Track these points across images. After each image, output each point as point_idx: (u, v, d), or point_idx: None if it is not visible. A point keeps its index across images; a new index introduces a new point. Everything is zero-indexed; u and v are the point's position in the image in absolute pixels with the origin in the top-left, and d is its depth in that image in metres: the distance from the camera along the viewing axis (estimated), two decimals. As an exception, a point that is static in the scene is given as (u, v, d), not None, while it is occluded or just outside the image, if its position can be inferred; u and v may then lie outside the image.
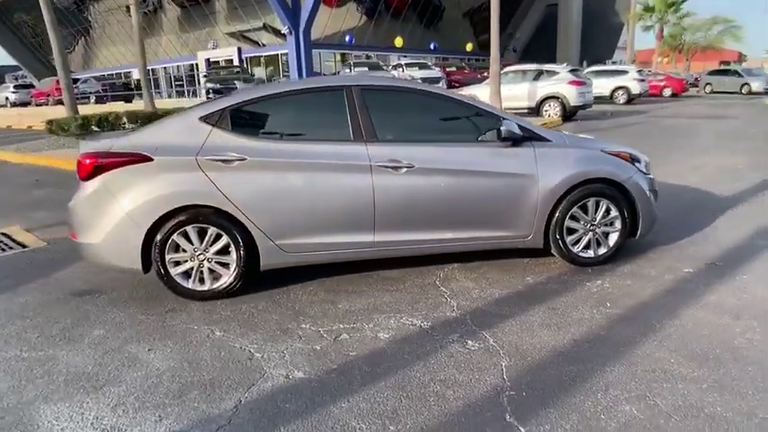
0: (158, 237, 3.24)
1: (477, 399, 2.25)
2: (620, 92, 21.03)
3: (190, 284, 3.38)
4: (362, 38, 30.39)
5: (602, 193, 3.66)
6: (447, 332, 2.87)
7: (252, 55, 29.84)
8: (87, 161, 3.24)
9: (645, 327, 2.84)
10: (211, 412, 2.22)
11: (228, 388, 2.40)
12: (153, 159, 3.23)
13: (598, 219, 3.71)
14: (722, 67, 37.00)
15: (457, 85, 24.70)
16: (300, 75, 24.37)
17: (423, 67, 23.05)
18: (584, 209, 3.67)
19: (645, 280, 3.51)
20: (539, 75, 15.75)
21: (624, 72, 22.17)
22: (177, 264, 3.35)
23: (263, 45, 30.20)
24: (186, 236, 3.31)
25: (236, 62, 24.49)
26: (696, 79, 33.69)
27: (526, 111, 15.24)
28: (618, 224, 3.74)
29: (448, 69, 26.13)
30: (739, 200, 5.45)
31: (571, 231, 3.70)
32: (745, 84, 28.33)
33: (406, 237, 3.53)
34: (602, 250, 3.77)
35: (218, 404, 2.28)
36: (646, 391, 2.26)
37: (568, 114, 14.96)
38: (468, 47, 37.24)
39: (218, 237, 3.33)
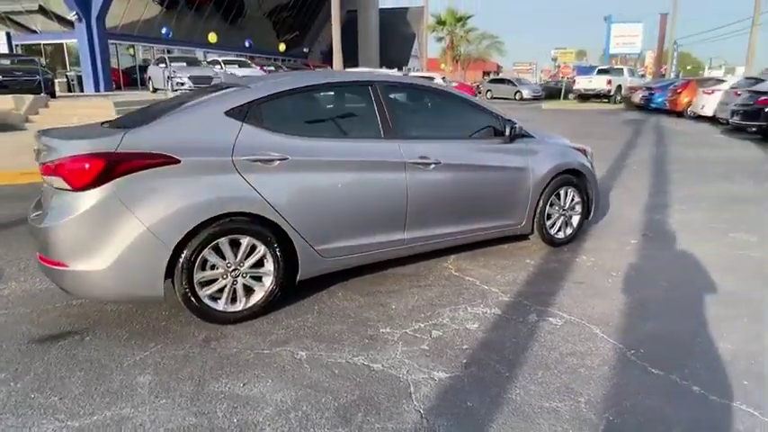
0: (185, 254, 2.74)
1: (613, 362, 2.56)
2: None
3: (221, 306, 2.92)
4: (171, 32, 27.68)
5: (571, 182, 4.32)
6: (520, 314, 3.11)
7: (26, 42, 24.59)
8: (91, 163, 2.55)
9: (653, 283, 3.54)
10: (401, 427, 2.07)
11: (389, 401, 2.24)
12: (180, 161, 2.71)
13: (567, 204, 4.36)
14: (493, 76, 43.92)
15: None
16: (95, 68, 21.08)
17: (243, 65, 22.21)
18: (558, 196, 4.29)
19: (614, 251, 4.28)
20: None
21: (431, 78, 24.90)
22: (206, 284, 2.87)
23: (37, 32, 25.18)
24: (218, 250, 2.86)
25: (4, 50, 19.73)
26: (478, 86, 39.57)
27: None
28: (579, 208, 4.45)
29: (267, 69, 25.66)
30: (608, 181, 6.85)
31: (548, 216, 4.28)
32: (518, 91, 34.15)
33: (432, 232, 3.63)
34: (569, 231, 4.44)
35: (398, 418, 2.12)
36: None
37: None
38: (282, 47, 37.02)
39: (252, 248, 2.96)
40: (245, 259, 2.95)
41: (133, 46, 27.79)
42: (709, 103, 15.02)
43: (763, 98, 10.36)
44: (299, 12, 41.94)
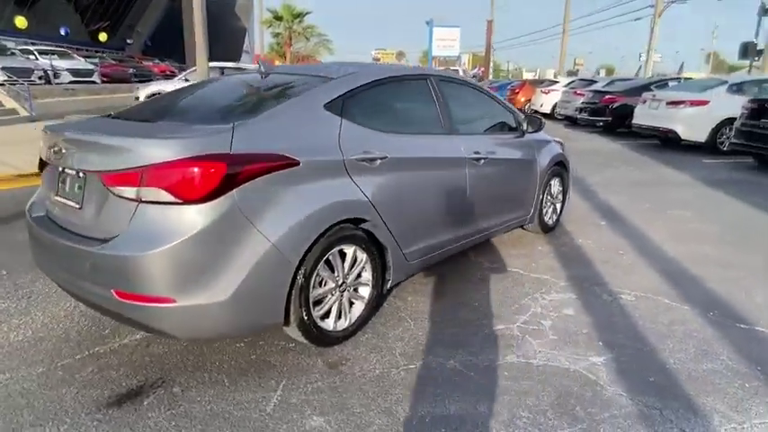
0: (303, 270, 2.40)
1: (709, 325, 2.95)
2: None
3: (331, 325, 2.62)
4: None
5: (558, 172, 4.76)
6: (592, 295, 3.36)
7: None
8: (210, 168, 2.06)
9: (660, 257, 4.12)
10: (625, 412, 2.13)
11: (588, 390, 2.27)
12: (300, 163, 2.35)
13: (555, 193, 4.79)
14: None
15: (106, 79, 21.66)
16: None
17: (64, 56, 19.03)
18: (549, 185, 4.69)
19: (597, 232, 4.83)
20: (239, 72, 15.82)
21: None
22: (317, 303, 2.55)
23: None
24: (329, 263, 2.56)
25: None
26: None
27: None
28: (560, 196, 4.92)
29: (93, 62, 22.46)
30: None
31: (543, 205, 4.66)
32: None
33: (479, 227, 3.70)
34: (555, 218, 4.89)
35: (612, 403, 2.17)
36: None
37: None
38: (103, 37, 32.41)
39: (355, 257, 2.71)
40: (350, 270, 2.68)
41: None
42: (546, 102, 17.48)
43: (607, 97, 12.53)
44: (108, -2, 37.23)
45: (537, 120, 4.27)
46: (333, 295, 2.61)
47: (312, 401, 2.20)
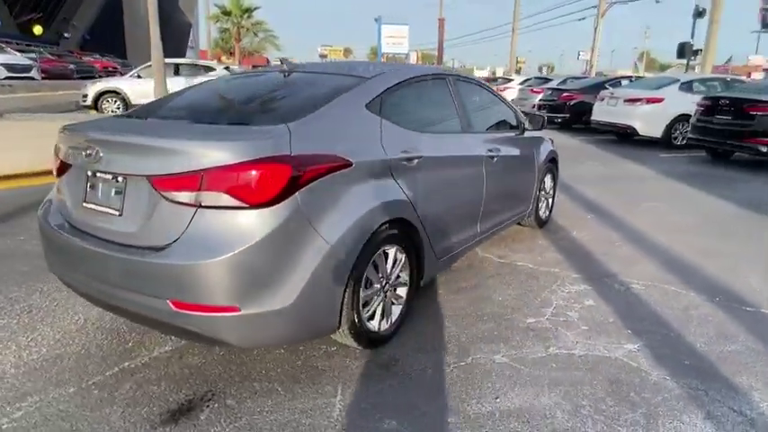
0: (355, 272, 2.38)
1: (718, 309, 3.15)
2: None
3: (375, 326, 2.62)
4: None
5: (551, 169, 4.93)
6: (605, 286, 3.51)
7: None
8: (276, 171, 2.01)
9: (651, 247, 4.35)
10: (678, 394, 2.25)
11: (636, 377, 2.39)
12: (353, 164, 2.32)
13: (548, 189, 4.96)
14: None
15: (45, 75, 20.41)
16: None
17: (-4, 50, 17.68)
18: (543, 182, 4.84)
19: (586, 225, 5.05)
20: (195, 70, 15.30)
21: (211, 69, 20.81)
22: (364, 305, 2.54)
23: None
24: (374, 264, 2.56)
25: None
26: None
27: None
28: (552, 192, 5.10)
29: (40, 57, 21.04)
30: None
31: (539, 200, 4.82)
32: None
33: (491, 223, 3.78)
34: (547, 212, 5.06)
35: (662, 386, 2.29)
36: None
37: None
38: (38, 30, 30.29)
39: (395, 257, 2.72)
40: (392, 270, 2.69)
41: None
42: (502, 99, 17.92)
43: (564, 94, 13.03)
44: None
45: (539, 118, 4.40)
46: (378, 296, 2.60)
47: (379, 404, 2.19)
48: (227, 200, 1.96)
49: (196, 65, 15.48)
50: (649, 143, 10.46)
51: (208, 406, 2.17)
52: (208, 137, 2.11)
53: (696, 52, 19.42)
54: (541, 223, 4.86)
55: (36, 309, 3.03)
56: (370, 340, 2.57)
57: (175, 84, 13.86)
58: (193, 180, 1.97)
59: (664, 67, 67.68)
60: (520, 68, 59.68)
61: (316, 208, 2.14)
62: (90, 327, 2.84)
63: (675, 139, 10.08)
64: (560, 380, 2.38)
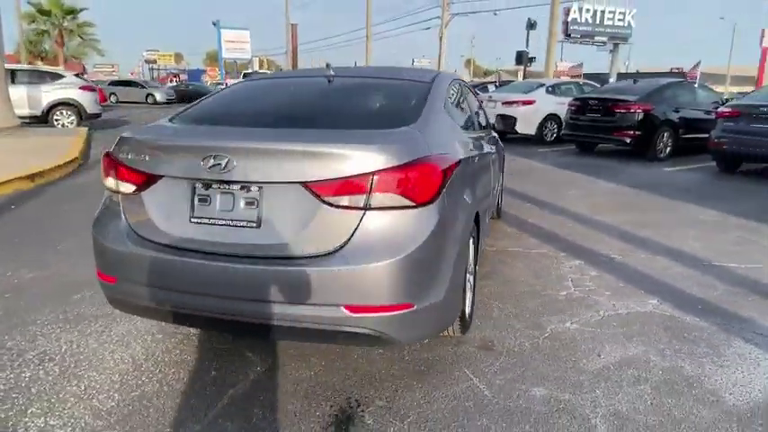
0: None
1: (687, 269, 3.97)
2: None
3: (468, 311, 2.85)
4: None
5: (501, 165, 5.54)
6: (594, 259, 4.17)
7: None
8: (435, 170, 2.16)
9: (580, 222, 5.18)
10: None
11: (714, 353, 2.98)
12: (460, 162, 2.55)
13: (501, 182, 5.57)
14: (123, 78, 39.09)
15: None
16: None
17: None
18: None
19: (533, 214, 5.77)
20: (38, 77, 13.31)
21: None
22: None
23: None
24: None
25: None
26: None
27: (28, 120, 12.73)
28: (503, 184, 5.73)
29: None
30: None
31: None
32: (150, 94, 31.65)
33: (489, 213, 4.21)
34: (500, 204, 5.68)
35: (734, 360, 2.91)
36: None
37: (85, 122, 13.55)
38: None
39: (473, 246, 2.99)
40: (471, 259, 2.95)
41: None
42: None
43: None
44: None
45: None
46: (470, 283, 2.84)
47: (518, 378, 2.44)
48: (397, 200, 2.05)
49: (39, 71, 13.50)
50: (524, 140, 11.97)
51: (364, 411, 2.21)
52: (368, 140, 2.16)
53: (531, 59, 22.43)
54: (499, 213, 5.45)
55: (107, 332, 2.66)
56: (465, 326, 2.79)
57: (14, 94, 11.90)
58: (362, 183, 2.02)
59: (488, 72, 76.04)
60: None
61: (449, 204, 2.32)
62: (149, 362, 2.60)
63: (546, 135, 11.71)
64: (629, 334, 2.88)
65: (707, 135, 8.35)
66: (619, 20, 27.42)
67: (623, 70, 37.74)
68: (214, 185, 2.14)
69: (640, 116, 9.08)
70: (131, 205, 2.31)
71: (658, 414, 2.18)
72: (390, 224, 2.07)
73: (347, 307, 2.03)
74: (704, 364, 2.57)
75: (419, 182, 2.09)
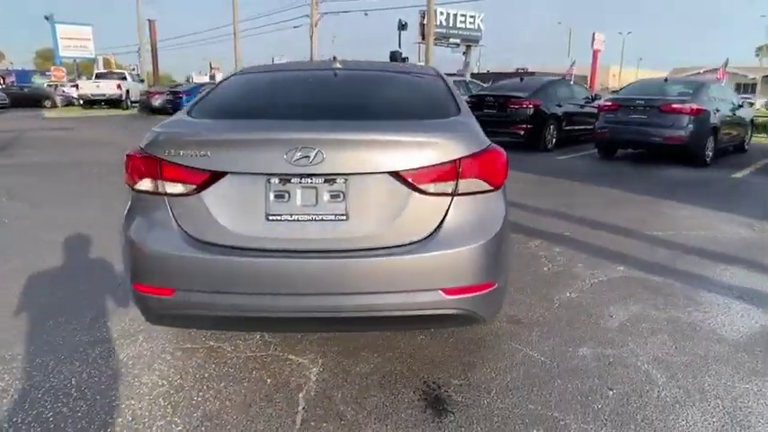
0: None
1: (637, 240, 4.61)
2: None
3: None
4: None
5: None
6: (560, 242, 4.64)
7: None
8: (504, 157, 2.34)
9: (527, 211, 5.75)
10: None
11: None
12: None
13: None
14: None
15: None
16: None
17: None
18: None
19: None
20: None
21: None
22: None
23: None
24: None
25: None
26: None
27: None
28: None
29: None
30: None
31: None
32: None
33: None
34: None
35: None
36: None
37: None
38: None
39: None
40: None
41: None
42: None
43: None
44: None
45: None
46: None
47: (561, 343, 2.72)
48: (479, 185, 2.19)
49: None
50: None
51: (447, 390, 2.32)
52: (449, 129, 2.25)
53: (404, 59, 23.47)
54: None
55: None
56: None
57: None
58: (450, 169, 2.13)
59: (352, 73, 77.43)
60: (213, 75, 59.68)
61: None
62: (187, 380, 2.43)
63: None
64: (621, 296, 3.35)
65: (583, 127, 9.58)
66: (470, 23, 29.97)
67: (475, 71, 41.20)
68: (294, 180, 2.08)
69: (531, 111, 10.12)
70: (186, 207, 2.13)
71: (687, 354, 2.61)
72: (475, 208, 2.20)
73: (444, 290, 2.12)
74: (692, 313, 3.09)
75: (495, 166, 2.24)
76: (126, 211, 2.27)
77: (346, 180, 2.09)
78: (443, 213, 2.14)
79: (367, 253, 2.08)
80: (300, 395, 2.29)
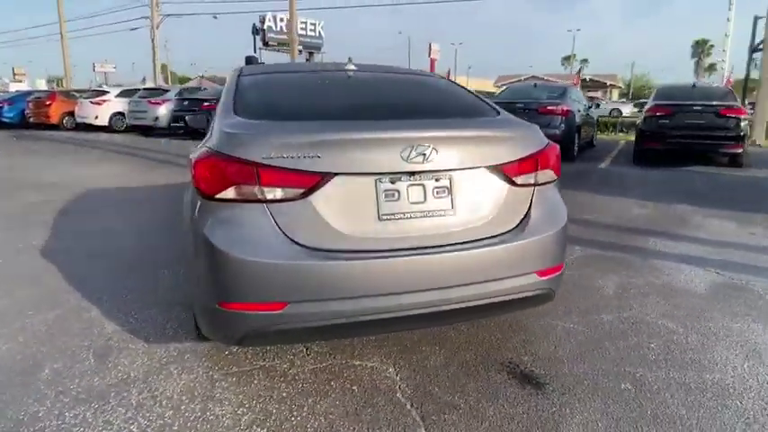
0: None
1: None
2: None
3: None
4: None
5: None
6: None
7: None
8: (558, 150, 2.64)
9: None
10: None
11: None
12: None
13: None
14: None
15: None
16: None
17: None
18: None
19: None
20: None
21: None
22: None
23: None
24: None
25: None
26: None
27: None
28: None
29: None
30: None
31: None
32: None
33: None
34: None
35: None
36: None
37: None
38: None
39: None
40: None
41: None
42: (102, 114, 16.47)
43: (206, 104, 13.38)
44: None
45: None
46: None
47: (583, 312, 3.12)
48: (550, 175, 2.48)
49: None
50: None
51: (530, 366, 2.54)
52: (520, 125, 2.48)
53: (260, 64, 23.12)
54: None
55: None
56: None
57: None
58: (533, 162, 2.38)
59: (183, 80, 72.92)
60: (21, 80, 52.52)
61: None
62: (253, 401, 2.33)
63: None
64: (602, 269, 3.89)
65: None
66: (311, 30, 30.41)
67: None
68: (403, 178, 2.14)
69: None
70: (291, 213, 2.06)
71: (682, 308, 3.19)
72: (550, 196, 2.49)
73: (538, 272, 2.36)
74: (661, 276, 3.75)
75: (557, 158, 2.55)
76: (203, 225, 2.09)
77: (451, 175, 2.21)
78: (529, 202, 2.37)
79: (475, 244, 2.22)
80: (399, 395, 2.32)
